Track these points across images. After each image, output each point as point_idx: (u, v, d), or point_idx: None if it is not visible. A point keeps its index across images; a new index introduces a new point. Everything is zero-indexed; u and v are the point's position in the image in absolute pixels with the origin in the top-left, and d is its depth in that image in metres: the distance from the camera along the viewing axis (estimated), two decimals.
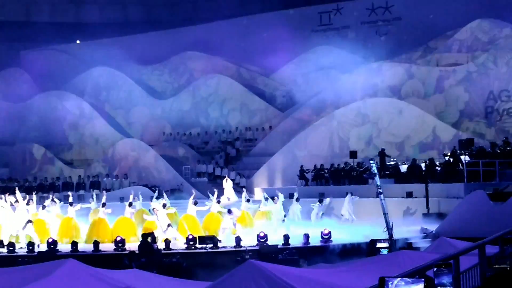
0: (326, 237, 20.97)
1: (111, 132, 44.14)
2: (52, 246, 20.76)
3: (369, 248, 17.98)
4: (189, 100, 44.59)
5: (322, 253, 19.73)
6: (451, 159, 29.05)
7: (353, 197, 27.24)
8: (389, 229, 19.71)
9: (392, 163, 31.93)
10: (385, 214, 20.40)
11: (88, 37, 50.45)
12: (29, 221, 22.90)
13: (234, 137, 42.09)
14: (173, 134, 44.03)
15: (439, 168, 29.27)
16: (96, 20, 52.75)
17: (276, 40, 45.09)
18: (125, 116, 46.14)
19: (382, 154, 31.53)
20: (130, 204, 25.18)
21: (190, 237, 21.00)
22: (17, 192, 26.84)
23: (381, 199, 21.49)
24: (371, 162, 23.70)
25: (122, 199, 30.70)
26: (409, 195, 26.96)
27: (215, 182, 36.25)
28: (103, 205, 24.77)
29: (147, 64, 48.74)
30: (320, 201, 27.48)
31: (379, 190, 22.15)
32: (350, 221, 26.47)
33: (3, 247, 21.35)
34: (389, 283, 7.57)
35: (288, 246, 20.39)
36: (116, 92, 46.73)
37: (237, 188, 29.01)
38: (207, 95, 44.12)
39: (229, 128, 42.61)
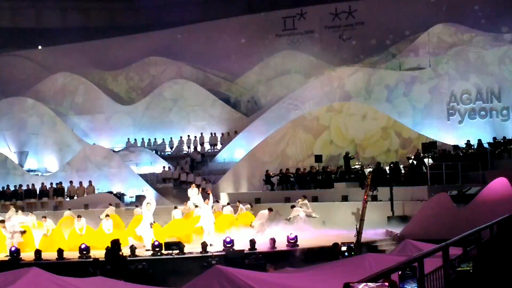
0: (293, 241, 21.04)
1: (75, 138, 43.71)
2: (15, 254, 20.47)
3: (331, 252, 18.05)
4: (153, 106, 44.39)
5: (289, 257, 19.78)
6: (415, 162, 29.38)
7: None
8: (359, 233, 19.81)
9: (357, 166, 32.17)
10: (361, 220, 20.46)
11: (50, 43, 49.96)
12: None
13: (199, 142, 42.03)
14: (137, 140, 43.77)
15: (403, 171, 29.57)
16: (58, 25, 52.31)
17: (240, 45, 45.25)
18: (88, 122, 45.71)
19: (346, 158, 31.76)
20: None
21: (156, 243, 20.89)
22: None
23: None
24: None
25: (86, 206, 30.44)
26: (374, 198, 27.16)
27: (181, 188, 36.12)
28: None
29: (111, 69, 48.45)
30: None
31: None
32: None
33: None
34: None
35: (255, 251, 20.39)
36: (79, 98, 46.29)
37: (203, 194, 28.78)
38: (172, 100, 43.97)
39: (194, 133, 42.51)
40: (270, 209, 24.96)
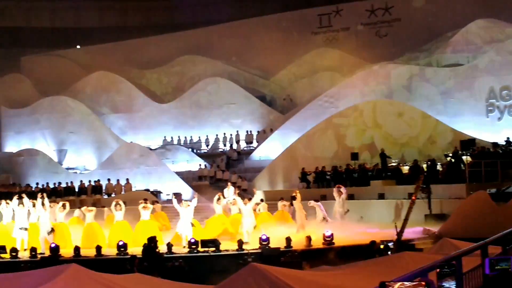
0: (329, 239, 20.96)
1: (112, 136, 44.20)
2: (54, 251, 20.75)
3: (369, 250, 17.94)
4: (189, 104, 44.61)
5: (325, 255, 19.72)
6: (453, 160, 29.03)
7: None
8: (401, 232, 19.64)
9: (394, 164, 31.94)
10: (406, 219, 20.29)
11: (88, 42, 50.55)
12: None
13: (235, 140, 42.14)
14: (173, 138, 44.07)
15: (441, 169, 29.25)
16: (96, 25, 52.93)
17: (276, 42, 45.15)
18: (126, 121, 46.17)
19: (383, 155, 31.55)
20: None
21: (192, 240, 21.00)
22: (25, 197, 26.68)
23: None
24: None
25: (124, 203, 30.58)
26: (411, 196, 26.88)
27: (217, 185, 36.26)
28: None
29: (147, 68, 48.82)
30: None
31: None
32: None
33: (5, 252, 21.36)
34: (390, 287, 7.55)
35: (290, 248, 20.37)
36: (117, 96, 46.76)
37: (242, 193, 28.83)
38: (208, 98, 44.14)
39: (230, 131, 42.63)
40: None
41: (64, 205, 24.99)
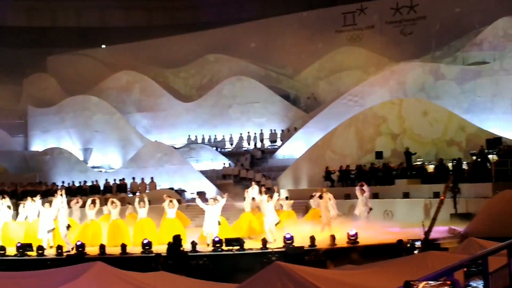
0: (353, 238, 20.88)
1: (137, 135, 44.47)
2: (80, 249, 20.93)
3: (396, 248, 17.83)
4: (213, 102, 44.73)
5: (349, 254, 19.65)
6: (479, 159, 28.76)
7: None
8: (429, 232, 19.49)
9: (419, 163, 31.73)
10: (434, 219, 20.15)
11: (113, 41, 50.90)
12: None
13: (259, 139, 42.17)
14: (198, 137, 44.21)
15: (466, 168, 29.00)
16: (121, 25, 53.29)
17: (300, 41, 45.12)
18: (150, 120, 46.41)
19: (407, 154, 31.36)
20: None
21: (217, 239, 21.05)
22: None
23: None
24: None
25: (148, 202, 30.71)
26: (436, 195, 26.71)
27: (241, 184, 36.31)
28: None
29: (172, 67, 49.04)
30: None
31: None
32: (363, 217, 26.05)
33: (32, 250, 21.58)
34: (414, 287, 7.51)
35: (315, 247, 20.33)
36: (141, 95, 47.02)
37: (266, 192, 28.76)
38: (232, 97, 44.22)
39: (255, 130, 42.67)
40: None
41: (94, 202, 25.07)
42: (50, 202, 24.06)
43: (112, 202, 24.85)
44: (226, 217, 24.97)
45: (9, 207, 26.01)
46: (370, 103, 36.64)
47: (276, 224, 23.20)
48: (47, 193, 35.27)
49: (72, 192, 37.03)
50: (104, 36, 52.06)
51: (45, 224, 22.96)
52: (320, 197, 25.03)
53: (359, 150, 34.98)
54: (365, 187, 25.99)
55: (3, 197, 26.70)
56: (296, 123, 41.45)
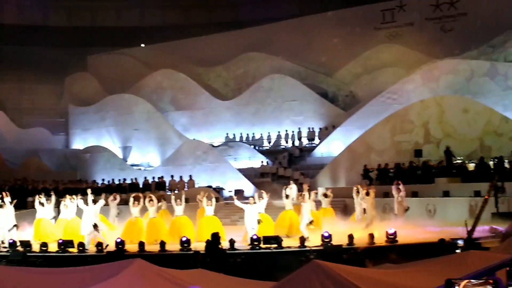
0: (392, 236, 20.71)
1: (175, 133, 44.78)
2: (120, 246, 21.15)
3: (438, 248, 17.63)
4: (251, 101, 44.81)
5: (388, 253, 19.49)
6: None
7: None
8: (472, 231, 19.25)
9: (459, 161, 31.35)
10: (477, 218, 19.91)
11: (151, 41, 51.31)
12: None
13: (297, 137, 42.11)
14: (236, 135, 44.33)
15: (508, 167, 28.56)
16: (159, 24, 53.67)
17: (338, 39, 44.90)
18: (188, 118, 46.69)
19: (447, 153, 31.00)
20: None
21: (255, 237, 21.07)
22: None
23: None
24: None
25: (187, 200, 30.91)
26: (477, 194, 26.37)
27: (279, 182, 36.27)
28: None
29: (210, 65, 49.22)
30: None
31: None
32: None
33: (73, 247, 21.89)
34: (456, 285, 7.42)
35: (353, 246, 20.23)
36: (180, 94, 47.35)
37: (301, 188, 28.71)
38: (270, 95, 44.23)
39: (292, 128, 42.61)
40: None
41: (137, 199, 25.26)
42: (95, 200, 24.35)
43: (150, 200, 25.04)
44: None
45: (41, 204, 26.33)
46: (409, 100, 36.31)
47: (309, 223, 23.00)
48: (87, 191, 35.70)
49: (112, 190, 37.45)
50: (143, 35, 52.50)
51: (88, 221, 23.25)
52: (367, 193, 24.90)
53: (397, 148, 34.69)
54: (401, 186, 25.77)
55: (39, 196, 27.03)
56: (334, 121, 41.28)
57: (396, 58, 42.14)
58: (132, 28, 53.75)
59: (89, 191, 24.53)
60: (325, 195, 26.55)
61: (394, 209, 25.81)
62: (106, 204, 26.23)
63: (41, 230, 25.65)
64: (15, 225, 24.32)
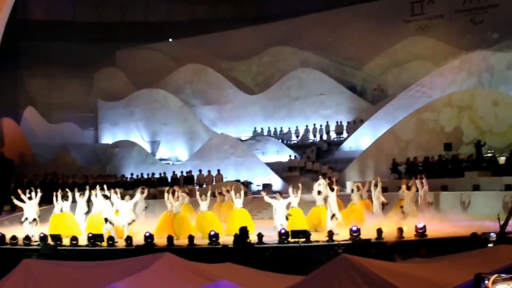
0: (421, 231, 20.55)
1: (203, 128, 44.92)
2: (149, 240, 21.29)
3: (470, 241, 17.45)
4: (279, 95, 44.77)
5: (417, 247, 19.36)
6: None
7: None
8: (505, 225, 19.03)
9: (489, 155, 31.00)
10: (510, 212, 19.68)
11: (179, 35, 51.49)
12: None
13: (325, 131, 41.99)
14: (263, 129, 44.32)
15: None
16: (187, 18, 53.83)
17: (366, 32, 44.60)
18: (216, 112, 46.81)
19: (478, 146, 30.67)
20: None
21: (283, 231, 21.06)
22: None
23: None
24: None
25: (214, 194, 31.05)
26: (508, 187, 26.04)
27: (307, 176, 36.19)
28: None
29: (237, 59, 49.25)
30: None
31: None
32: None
33: (103, 241, 22.08)
34: (485, 280, 7.35)
35: (381, 240, 20.12)
36: (207, 88, 47.46)
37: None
38: (297, 89, 44.14)
39: (320, 121, 42.50)
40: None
41: (173, 193, 25.42)
42: (131, 195, 24.60)
43: (179, 195, 25.11)
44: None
45: (65, 198, 26.54)
46: (439, 94, 36.00)
47: (332, 217, 22.84)
48: (116, 186, 36.02)
49: (141, 184, 37.68)
50: (171, 30, 52.71)
51: (125, 216, 23.48)
52: (408, 188, 24.74)
53: (427, 142, 34.42)
54: (424, 181, 25.60)
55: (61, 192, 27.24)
56: (363, 114, 41.08)
57: (426, 51, 41.77)
58: (160, 23, 53.98)
59: (117, 190, 24.83)
60: (358, 188, 26.27)
61: (418, 204, 25.65)
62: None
63: (58, 224, 25.82)
64: (34, 219, 24.63)
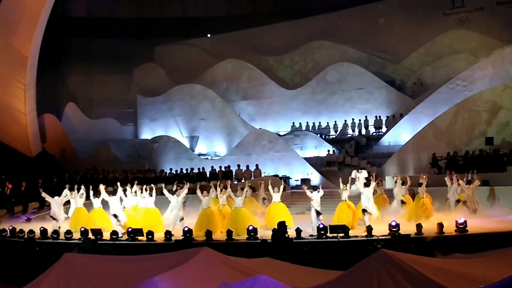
0: (462, 226, 20.30)
1: (242, 123, 45.00)
2: (187, 234, 21.41)
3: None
4: (317, 89, 44.62)
5: (457, 243, 19.13)
6: None
7: None
8: None
9: None
10: None
11: (217, 31, 51.63)
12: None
13: (363, 126, 41.75)
14: (302, 124, 44.24)
15: None
16: (225, 14, 53.95)
17: (405, 25, 44.17)
18: (254, 107, 46.85)
19: None
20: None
21: (321, 226, 21.00)
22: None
23: None
24: None
25: (253, 189, 31.07)
26: None
27: (345, 171, 36.03)
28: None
29: (275, 54, 49.19)
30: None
31: None
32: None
33: (142, 235, 22.28)
34: None
35: (421, 235, 19.92)
36: (246, 83, 47.52)
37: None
38: (336, 83, 43.95)
39: (359, 116, 42.26)
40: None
41: (225, 187, 25.59)
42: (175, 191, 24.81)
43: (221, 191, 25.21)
44: (331, 205, 24.82)
45: (112, 193, 26.87)
46: (480, 87, 35.48)
47: (365, 211, 22.63)
48: (156, 181, 36.32)
49: (180, 179, 37.91)
50: (209, 26, 52.89)
51: (176, 213, 23.76)
52: (468, 182, 24.42)
53: (468, 136, 33.97)
54: (454, 177, 25.26)
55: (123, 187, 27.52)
56: (402, 109, 40.73)
57: (466, 44, 41.21)
58: (199, 19, 54.20)
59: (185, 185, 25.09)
60: (403, 183, 25.87)
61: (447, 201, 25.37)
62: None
63: (79, 218, 26.11)
64: (54, 219, 25.16)
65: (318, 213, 22.49)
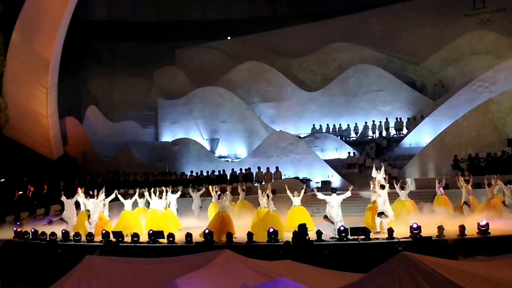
0: (484, 228, 20.14)
1: (262, 125, 45.02)
2: (208, 237, 21.45)
3: None
4: (338, 91, 44.52)
5: (480, 245, 18.98)
6: None
7: None
8: None
9: None
10: None
11: (238, 33, 51.72)
12: None
13: (384, 127, 41.58)
14: (322, 126, 44.16)
15: None
16: (246, 16, 54.04)
17: (426, 27, 43.96)
18: (275, 109, 46.84)
19: None
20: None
21: (342, 228, 20.94)
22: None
23: None
24: None
25: (274, 191, 31.02)
26: None
27: (366, 173, 35.90)
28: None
29: (296, 56, 49.17)
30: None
31: None
32: None
33: (163, 237, 22.36)
34: None
35: (443, 237, 19.80)
36: (266, 85, 47.53)
37: (389, 180, 28.33)
38: (356, 85, 43.82)
39: (380, 118, 42.10)
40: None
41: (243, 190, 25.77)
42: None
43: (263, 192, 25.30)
44: (353, 208, 24.80)
45: (127, 196, 27.05)
46: (502, 88, 35.20)
47: (380, 214, 22.51)
48: (177, 183, 36.46)
49: (200, 182, 38.04)
50: (229, 28, 53.00)
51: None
52: (488, 185, 24.26)
53: (489, 138, 33.71)
54: (493, 179, 25.04)
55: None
56: (423, 111, 40.51)
57: (488, 45, 40.92)
58: (219, 21, 54.35)
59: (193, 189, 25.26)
60: (402, 187, 25.78)
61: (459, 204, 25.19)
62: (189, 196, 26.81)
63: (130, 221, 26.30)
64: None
65: (326, 218, 22.36)
